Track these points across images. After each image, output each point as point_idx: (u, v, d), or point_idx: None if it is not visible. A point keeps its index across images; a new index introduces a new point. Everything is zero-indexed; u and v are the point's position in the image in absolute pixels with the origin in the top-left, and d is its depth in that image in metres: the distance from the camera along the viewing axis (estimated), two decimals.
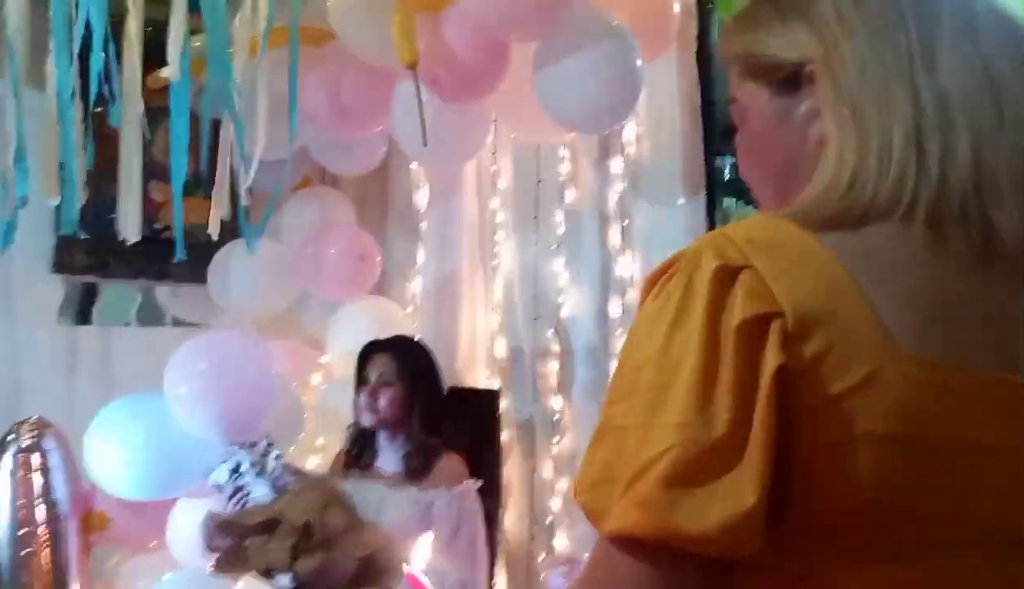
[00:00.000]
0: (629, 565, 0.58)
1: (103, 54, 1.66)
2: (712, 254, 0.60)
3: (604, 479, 0.60)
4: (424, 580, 0.94)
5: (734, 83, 0.75)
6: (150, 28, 1.78)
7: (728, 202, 4.02)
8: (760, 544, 0.56)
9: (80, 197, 1.65)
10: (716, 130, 2.17)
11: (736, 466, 0.56)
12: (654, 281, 0.64)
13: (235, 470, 1.82)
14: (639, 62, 1.81)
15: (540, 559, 2.42)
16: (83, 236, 2.27)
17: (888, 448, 0.57)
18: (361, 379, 2.02)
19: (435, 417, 1.99)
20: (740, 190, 4.02)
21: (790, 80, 0.69)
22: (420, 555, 0.99)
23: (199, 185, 2.49)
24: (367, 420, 1.98)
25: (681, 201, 2.16)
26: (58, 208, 2.23)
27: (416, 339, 2.21)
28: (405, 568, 0.95)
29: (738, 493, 0.55)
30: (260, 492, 1.81)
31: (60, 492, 1.91)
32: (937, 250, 0.60)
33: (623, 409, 0.61)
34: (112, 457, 1.90)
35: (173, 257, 2.05)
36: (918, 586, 0.61)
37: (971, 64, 0.63)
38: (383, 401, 1.95)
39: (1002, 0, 0.69)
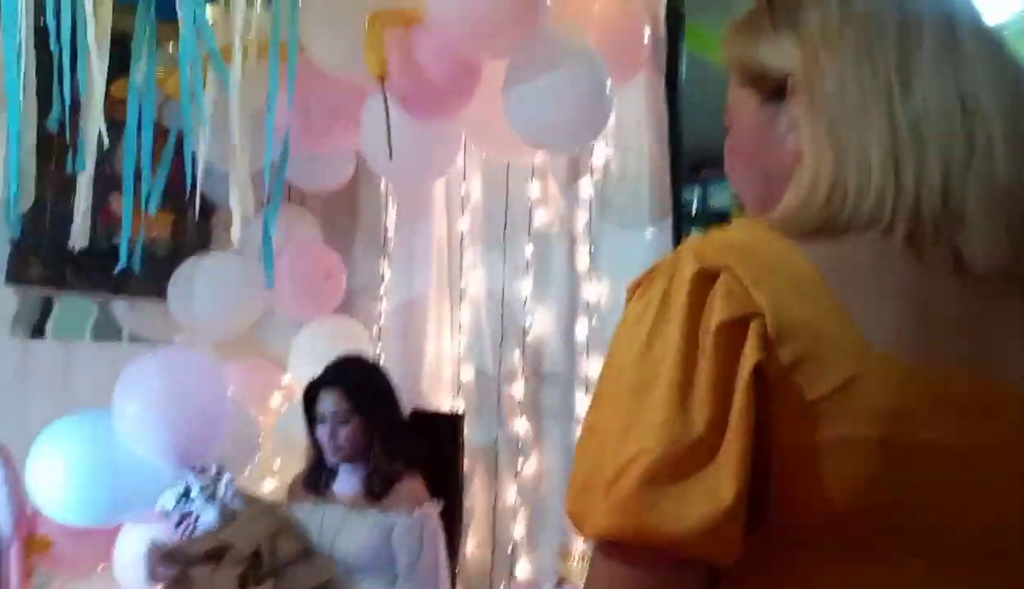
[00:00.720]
0: (612, 568, 0.59)
1: (67, 62, 1.63)
2: (691, 258, 0.61)
3: (587, 485, 0.60)
4: None
5: (730, 87, 0.77)
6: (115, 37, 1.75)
7: (696, 233, 4.09)
8: (739, 547, 0.57)
9: (25, 201, 1.60)
10: (683, 159, 2.18)
11: (713, 468, 0.56)
12: (636, 287, 0.65)
13: (184, 495, 1.77)
14: (608, 84, 1.81)
15: (500, 586, 2.37)
16: (37, 245, 2.23)
17: (866, 451, 0.58)
18: (312, 415, 1.95)
19: (396, 443, 1.95)
20: (708, 222, 4.08)
21: (778, 90, 0.70)
22: None
23: (162, 198, 2.46)
24: (332, 460, 1.93)
25: (652, 230, 2.16)
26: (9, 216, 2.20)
27: (363, 362, 2.12)
28: None
29: (715, 492, 0.55)
30: (209, 518, 1.76)
31: (2, 513, 1.84)
32: (915, 262, 0.62)
33: (606, 414, 0.62)
34: (54, 479, 1.83)
35: (130, 270, 2.00)
36: (901, 587, 0.61)
37: (946, 91, 0.64)
38: (343, 437, 1.90)
39: (987, 23, 0.69)
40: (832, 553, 0.61)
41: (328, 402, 1.92)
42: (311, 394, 1.97)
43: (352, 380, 1.96)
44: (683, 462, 0.56)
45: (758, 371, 0.57)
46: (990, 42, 0.67)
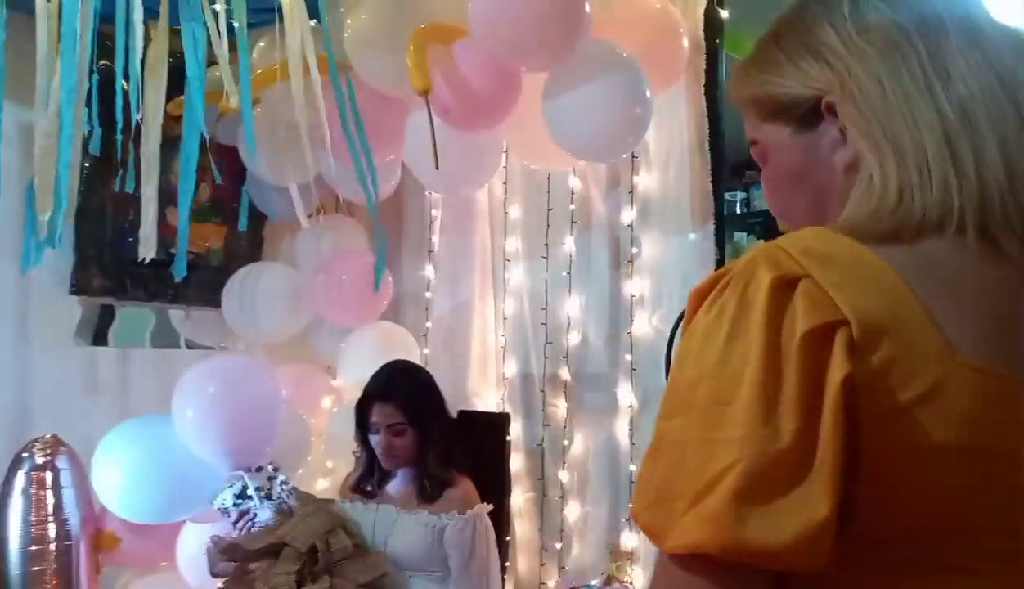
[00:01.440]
0: (693, 583, 0.57)
1: (124, 81, 1.72)
2: (767, 266, 0.60)
3: (664, 497, 0.59)
4: None
5: (751, 125, 0.77)
6: (171, 57, 1.83)
7: (739, 236, 4.06)
8: (828, 556, 0.56)
9: (68, 213, 1.68)
10: (725, 163, 2.19)
11: (806, 478, 0.55)
12: (703, 295, 0.64)
13: (240, 494, 1.83)
14: (648, 93, 1.83)
15: (550, 585, 2.41)
16: (99, 257, 2.34)
17: (955, 458, 0.57)
18: (369, 427, 1.97)
19: (448, 449, 1.98)
20: (751, 224, 4.05)
21: (809, 115, 0.71)
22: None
23: (214, 210, 2.55)
24: (388, 465, 1.97)
25: (694, 235, 2.17)
26: (79, 230, 2.31)
27: (414, 372, 2.12)
28: None
29: (810, 505, 0.55)
30: (265, 516, 1.83)
31: (71, 511, 1.93)
32: (992, 261, 0.61)
33: (680, 425, 0.60)
34: (118, 479, 1.92)
35: (187, 280, 2.09)
36: None
37: (982, 71, 0.64)
38: (399, 447, 1.94)
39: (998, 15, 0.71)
40: (918, 560, 0.60)
41: (382, 414, 1.94)
42: (365, 405, 1.99)
43: (405, 392, 1.98)
44: (773, 476, 0.55)
45: (849, 379, 0.56)
46: (1001, 22, 0.68)
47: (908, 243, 0.62)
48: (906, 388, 0.57)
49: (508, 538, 2.34)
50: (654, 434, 0.63)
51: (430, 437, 1.94)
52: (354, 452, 2.12)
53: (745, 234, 4.06)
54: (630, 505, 1.93)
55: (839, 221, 0.66)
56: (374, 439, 1.96)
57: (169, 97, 1.83)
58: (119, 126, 1.77)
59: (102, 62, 2.18)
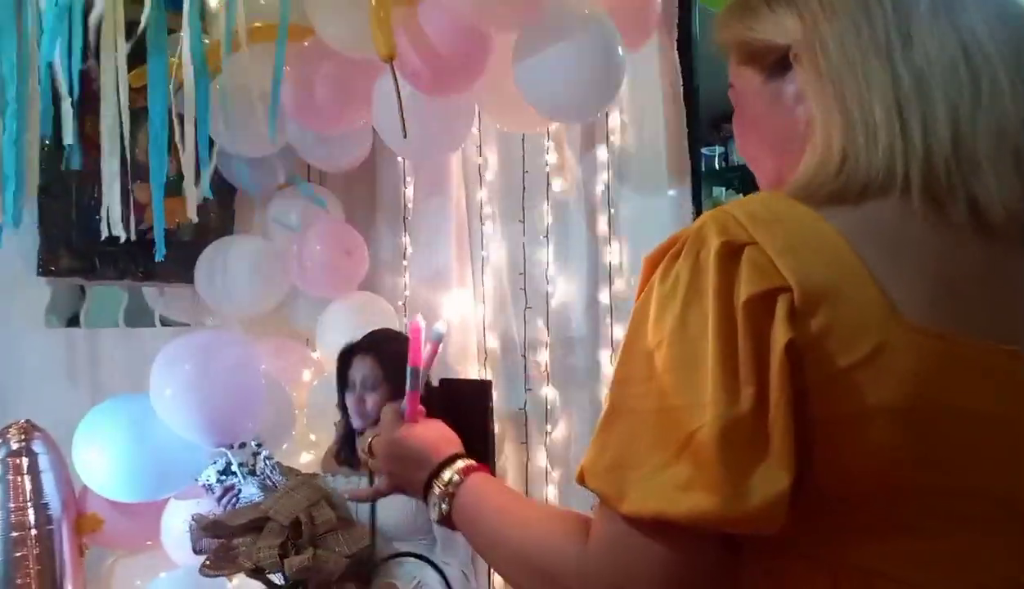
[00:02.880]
0: (655, 547, 0.58)
1: (82, 52, 1.66)
2: (716, 231, 0.60)
3: (622, 463, 0.60)
4: (424, 336, 0.91)
5: (731, 69, 0.77)
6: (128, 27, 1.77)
7: (717, 191, 4.04)
8: (784, 521, 0.57)
9: (32, 190, 1.64)
10: (700, 119, 2.17)
11: (767, 444, 0.56)
12: (657, 260, 0.64)
13: (224, 471, 1.82)
14: (620, 51, 1.80)
15: None
16: (66, 237, 2.29)
17: (901, 420, 0.58)
18: (344, 382, 1.99)
19: (426, 413, 1.97)
20: (729, 179, 4.03)
21: (780, 63, 0.71)
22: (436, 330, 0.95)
23: (182, 184, 2.49)
24: (358, 424, 1.96)
25: (672, 192, 2.15)
26: (41, 211, 2.25)
27: (397, 334, 2.15)
28: (417, 319, 0.92)
29: (773, 472, 0.55)
30: (250, 492, 1.82)
31: (50, 495, 1.92)
32: (938, 224, 0.61)
33: (639, 392, 0.61)
34: (99, 460, 1.90)
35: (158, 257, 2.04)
36: (934, 560, 0.61)
37: (947, 40, 0.63)
38: (371, 404, 1.93)
39: None
40: (867, 523, 0.61)
41: (360, 368, 1.95)
42: (345, 360, 1.99)
43: (386, 349, 1.98)
44: (737, 441, 0.56)
45: (791, 345, 0.57)
46: None
47: (853, 204, 0.62)
48: (848, 352, 0.57)
49: None
50: (609, 400, 0.63)
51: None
52: (336, 424, 2.11)
53: (724, 189, 4.05)
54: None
55: (791, 182, 0.66)
56: (350, 398, 1.95)
57: (129, 68, 1.78)
58: (72, 101, 1.72)
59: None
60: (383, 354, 1.97)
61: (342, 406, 2.02)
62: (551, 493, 2.41)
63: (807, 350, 0.57)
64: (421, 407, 0.93)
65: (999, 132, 0.62)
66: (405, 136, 1.64)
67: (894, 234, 0.61)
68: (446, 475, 0.83)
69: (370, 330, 2.08)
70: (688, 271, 0.60)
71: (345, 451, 2.02)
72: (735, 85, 0.77)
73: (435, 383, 2.11)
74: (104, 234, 1.79)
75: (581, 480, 0.63)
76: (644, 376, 0.61)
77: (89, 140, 1.89)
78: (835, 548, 0.61)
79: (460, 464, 0.84)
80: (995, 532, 0.62)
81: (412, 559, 1.82)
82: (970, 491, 0.61)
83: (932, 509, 0.60)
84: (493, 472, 2.44)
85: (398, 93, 1.63)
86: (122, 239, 1.83)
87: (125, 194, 1.97)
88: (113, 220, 1.82)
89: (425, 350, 0.91)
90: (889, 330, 0.57)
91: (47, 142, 2.22)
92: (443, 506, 0.82)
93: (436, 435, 0.90)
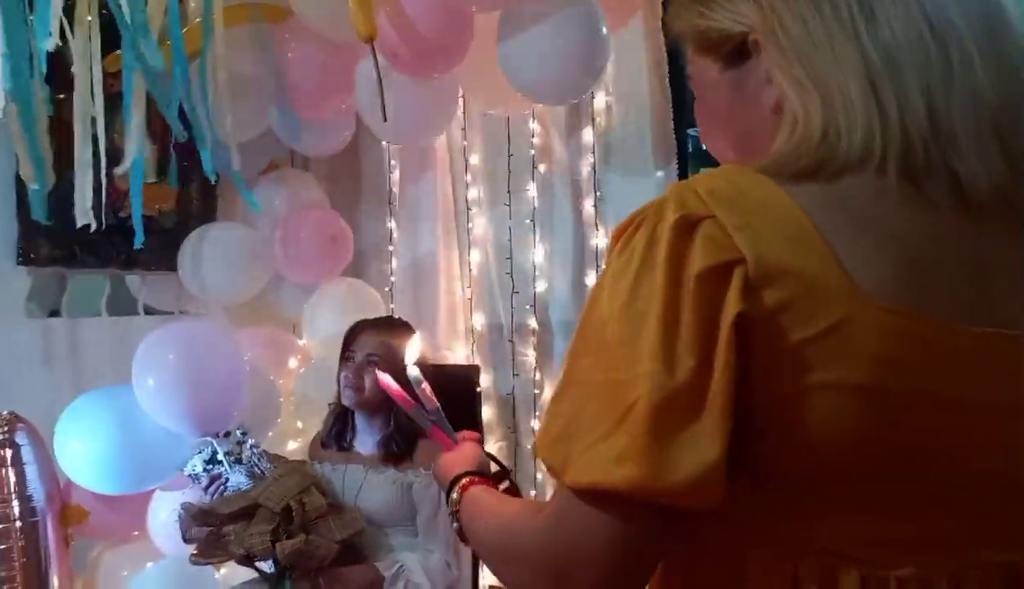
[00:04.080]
0: (595, 516, 0.59)
1: (58, 39, 1.63)
2: (674, 206, 0.60)
3: (568, 434, 0.60)
4: (394, 385, 0.94)
5: (688, 59, 0.76)
6: (104, 11, 1.74)
7: (705, 172, 4.04)
8: (722, 495, 0.57)
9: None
10: (686, 100, 2.16)
11: (701, 418, 0.56)
12: (621, 233, 0.64)
13: (210, 460, 1.81)
14: (604, 31, 1.78)
15: None
16: (46, 225, 2.25)
17: (851, 398, 0.57)
18: (345, 355, 1.96)
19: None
20: (716, 160, 4.03)
21: (738, 51, 0.69)
22: (410, 355, 0.97)
23: (163, 171, 2.46)
24: (349, 399, 1.92)
25: (659, 174, 2.15)
26: (20, 199, 2.21)
27: (405, 321, 2.14)
28: (383, 379, 0.95)
29: (703, 445, 0.56)
30: (237, 480, 1.81)
31: (34, 487, 1.90)
32: (915, 203, 0.60)
33: (588, 364, 0.61)
34: (82, 452, 1.88)
35: (141, 245, 2.02)
36: (899, 541, 0.61)
37: (911, 14, 0.62)
38: (368, 381, 1.91)
39: None
40: (826, 504, 0.60)
41: (366, 343, 1.92)
42: (353, 332, 1.96)
43: (392, 327, 1.98)
44: (671, 412, 0.56)
45: (741, 319, 0.56)
46: None
47: (826, 181, 0.61)
48: (802, 327, 0.57)
49: None
50: (563, 371, 0.64)
51: (404, 379, 1.92)
52: (329, 405, 2.08)
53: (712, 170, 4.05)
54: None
55: (768, 156, 0.65)
56: (344, 372, 1.92)
57: (104, 53, 1.75)
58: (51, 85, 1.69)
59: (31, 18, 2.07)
60: (392, 334, 1.94)
61: (339, 382, 1.99)
62: (539, 478, 2.41)
63: (759, 323, 0.57)
64: (449, 437, 0.97)
65: (974, 106, 0.61)
66: (386, 118, 1.63)
67: (866, 211, 0.60)
68: (453, 495, 0.86)
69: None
70: (643, 244, 0.60)
71: (335, 432, 2.00)
72: (692, 75, 0.76)
73: (422, 369, 2.12)
74: (79, 224, 1.76)
75: (536, 449, 0.64)
76: (595, 348, 0.61)
77: (67, 127, 1.85)
78: (797, 529, 0.62)
79: (462, 481, 0.86)
80: (963, 513, 0.62)
81: (397, 544, 1.82)
82: (936, 473, 0.60)
83: (897, 491, 0.60)
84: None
85: (378, 74, 1.61)
86: (92, 228, 1.80)
87: (101, 181, 1.94)
88: (83, 209, 1.79)
89: (422, 391, 0.94)
90: (849, 306, 0.57)
91: None
92: (455, 524, 0.86)
93: (453, 459, 0.93)
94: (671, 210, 0.60)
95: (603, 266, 2.20)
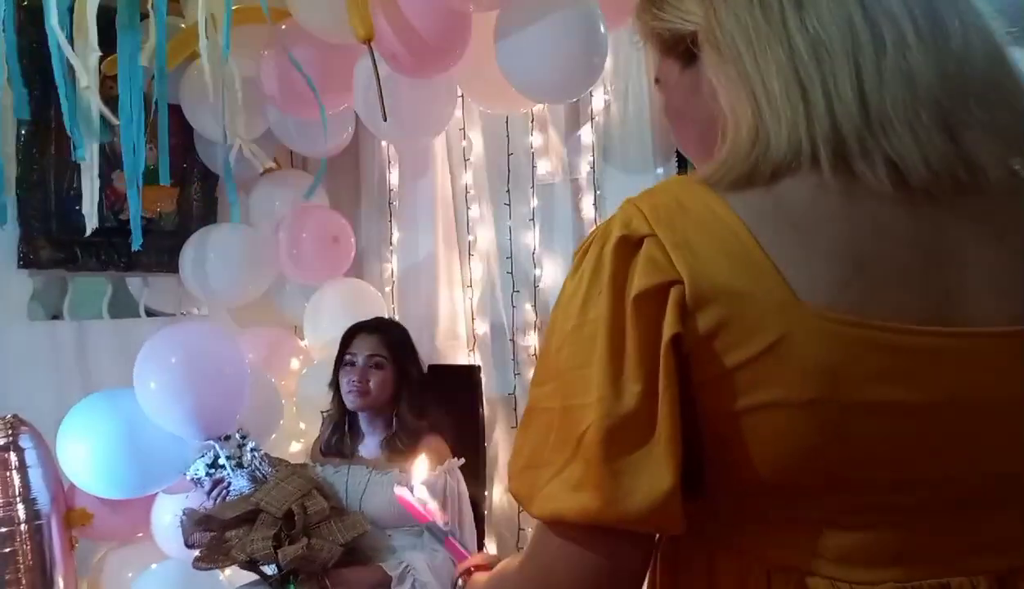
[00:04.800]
0: (564, 545, 0.59)
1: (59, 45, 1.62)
2: (619, 225, 0.59)
3: (532, 464, 0.60)
4: (414, 500, 0.97)
5: (655, 62, 0.75)
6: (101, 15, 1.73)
7: (653, 185, 4.01)
8: (682, 521, 0.56)
9: (9, 188, 1.61)
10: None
11: (651, 443, 0.56)
12: (576, 254, 0.64)
13: (212, 464, 1.81)
14: (603, 28, 1.77)
15: (528, 530, 2.43)
16: (47, 228, 2.25)
17: (802, 414, 0.56)
18: (345, 360, 1.97)
19: (423, 401, 1.97)
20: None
21: (689, 51, 0.68)
22: (417, 475, 1.01)
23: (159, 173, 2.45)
24: (354, 402, 1.93)
25: (659, 171, 2.14)
26: (21, 201, 2.21)
27: (399, 324, 2.15)
28: (400, 493, 0.98)
29: (655, 473, 0.55)
30: (240, 484, 1.81)
31: (38, 490, 1.90)
32: (855, 196, 0.58)
33: (548, 392, 0.61)
34: (84, 457, 1.88)
35: (141, 247, 2.02)
36: (866, 553, 0.60)
37: (841, 1, 0.60)
38: (374, 383, 1.91)
39: None
40: (787, 519, 0.60)
41: (365, 345, 1.94)
42: (349, 336, 1.98)
43: (392, 331, 2.00)
44: (622, 439, 0.56)
45: (677, 340, 0.56)
46: None
47: (764, 185, 0.59)
48: (741, 348, 0.56)
49: (487, 492, 2.35)
50: (528, 400, 0.64)
51: (407, 379, 1.93)
52: (323, 412, 2.09)
53: None
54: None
55: (706, 166, 0.64)
56: (347, 376, 1.92)
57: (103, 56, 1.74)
58: (62, 90, 1.68)
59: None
60: (389, 335, 1.96)
61: (335, 386, 1.99)
62: None
63: (694, 347, 0.56)
64: (462, 551, 0.97)
65: (909, 86, 0.58)
66: (385, 119, 1.62)
67: (805, 214, 0.58)
68: (458, 583, 0.87)
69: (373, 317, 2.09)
70: (591, 267, 0.60)
71: (336, 438, 2.00)
72: (659, 77, 0.74)
73: (424, 370, 2.12)
74: (89, 230, 1.76)
75: (508, 483, 0.64)
76: (553, 375, 0.61)
77: (63, 131, 1.85)
78: (765, 546, 0.61)
79: (463, 572, 0.87)
80: (940, 521, 0.60)
81: (400, 545, 1.82)
82: (902, 483, 0.59)
83: (863, 504, 0.59)
84: (484, 455, 2.43)
85: (377, 75, 1.61)
86: (88, 230, 1.80)
87: (107, 183, 1.94)
88: (91, 214, 1.80)
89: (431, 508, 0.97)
90: (790, 322, 0.55)
91: (23, 133, 2.19)
92: None
93: (460, 565, 0.93)
94: (616, 229, 0.59)
95: None
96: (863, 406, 0.57)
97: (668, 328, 0.56)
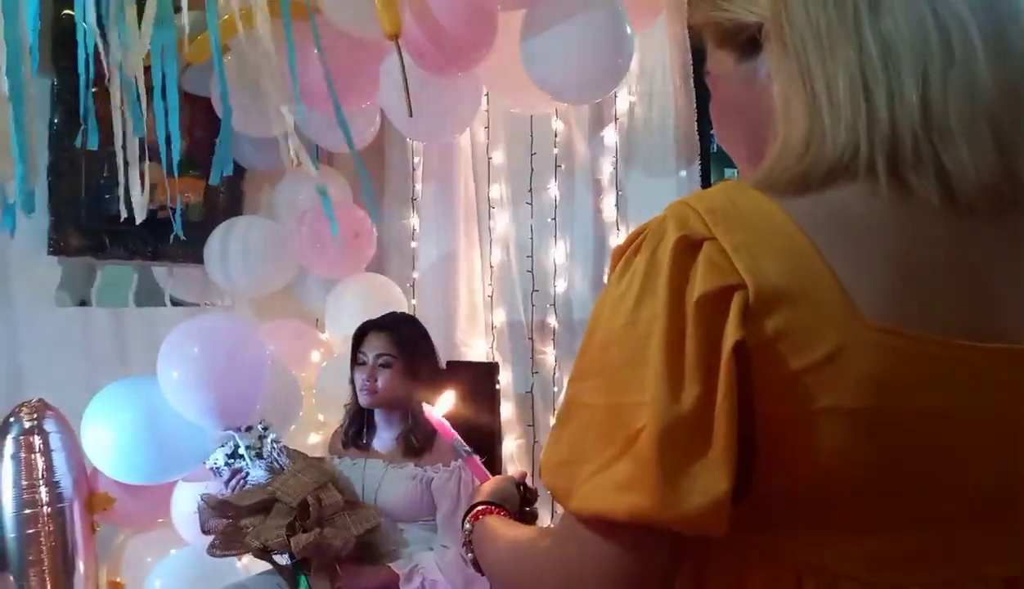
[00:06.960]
0: (599, 543, 0.58)
1: (94, 35, 1.65)
2: (675, 226, 0.58)
3: (573, 459, 0.60)
4: (447, 424, 1.01)
5: (708, 53, 0.74)
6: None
7: (729, 172, 3.98)
8: (728, 523, 0.56)
9: (33, 176, 1.63)
10: (711, 99, 2.14)
11: (708, 446, 0.55)
12: (622, 253, 0.63)
13: (232, 454, 1.83)
14: (628, 29, 1.77)
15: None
16: (76, 215, 2.29)
17: (854, 422, 0.56)
18: (357, 358, 1.99)
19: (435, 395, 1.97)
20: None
21: (751, 43, 0.67)
22: (443, 405, 1.06)
23: (191, 164, 2.49)
24: (365, 400, 1.95)
25: (682, 174, 2.14)
26: (52, 189, 2.25)
27: (413, 318, 2.16)
28: (427, 410, 1.02)
29: (713, 476, 0.55)
30: (258, 475, 1.83)
31: (62, 473, 1.93)
32: (906, 206, 0.58)
33: (591, 387, 0.60)
34: (107, 442, 1.91)
35: (169, 237, 2.05)
36: (901, 559, 0.60)
37: (916, 4, 0.60)
38: (382, 381, 1.93)
39: None
40: (819, 522, 0.60)
41: (375, 344, 1.95)
42: (359, 336, 1.99)
43: (403, 328, 1.99)
44: (679, 441, 0.55)
45: (740, 346, 0.55)
46: None
47: (817, 191, 0.59)
48: (802, 354, 0.56)
49: None
50: (566, 395, 0.63)
51: (417, 377, 1.94)
52: (345, 405, 2.11)
53: (735, 171, 4.00)
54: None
55: (757, 171, 0.63)
56: (359, 375, 1.95)
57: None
58: (82, 79, 1.71)
59: (64, 12, 2.10)
60: (398, 333, 1.96)
61: (353, 383, 2.01)
62: None
63: (758, 351, 0.56)
64: (484, 471, 1.00)
65: (972, 96, 0.58)
66: (411, 114, 1.63)
67: (858, 222, 0.58)
68: (466, 526, 0.87)
69: (388, 312, 2.08)
70: (644, 266, 0.59)
71: (353, 432, 2.02)
72: (711, 69, 0.73)
73: (443, 365, 2.13)
74: (131, 218, 1.79)
75: (540, 472, 0.64)
76: (597, 371, 0.60)
77: (101, 119, 1.88)
78: (798, 548, 0.61)
79: (475, 510, 0.87)
80: (965, 528, 0.61)
81: (410, 542, 1.83)
82: (936, 490, 0.59)
83: (897, 509, 0.60)
84: (500, 451, 2.44)
85: (403, 71, 1.62)
86: (122, 219, 1.83)
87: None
88: (139, 204, 1.82)
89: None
90: (848, 332, 0.56)
91: (55, 121, 2.23)
92: (468, 555, 0.86)
93: (479, 490, 0.94)
94: (672, 230, 0.58)
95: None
96: (908, 415, 0.57)
97: (731, 333, 0.55)
